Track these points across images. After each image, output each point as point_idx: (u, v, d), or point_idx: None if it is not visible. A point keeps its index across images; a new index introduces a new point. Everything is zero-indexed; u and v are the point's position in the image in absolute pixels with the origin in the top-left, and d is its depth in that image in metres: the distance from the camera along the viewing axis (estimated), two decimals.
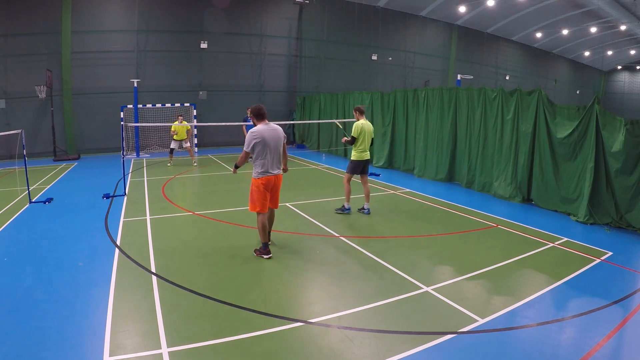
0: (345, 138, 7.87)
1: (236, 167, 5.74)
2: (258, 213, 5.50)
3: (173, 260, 5.49)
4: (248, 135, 5.35)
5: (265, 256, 5.47)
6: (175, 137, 13.21)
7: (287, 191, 8.65)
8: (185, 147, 13.57)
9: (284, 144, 5.61)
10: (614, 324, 3.96)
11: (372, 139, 7.84)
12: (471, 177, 10.28)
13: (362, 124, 7.58)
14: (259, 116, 5.47)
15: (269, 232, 5.86)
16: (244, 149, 5.44)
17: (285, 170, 5.86)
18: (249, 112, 13.77)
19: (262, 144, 5.32)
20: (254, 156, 5.41)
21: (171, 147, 13.54)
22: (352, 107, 15.34)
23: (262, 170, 5.39)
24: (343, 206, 7.79)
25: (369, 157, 7.75)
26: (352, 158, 7.71)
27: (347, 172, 7.77)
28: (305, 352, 3.50)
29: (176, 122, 13.14)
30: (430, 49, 26.43)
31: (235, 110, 18.57)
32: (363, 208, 7.85)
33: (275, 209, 5.88)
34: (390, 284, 4.77)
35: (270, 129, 5.42)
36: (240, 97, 19.66)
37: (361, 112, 7.72)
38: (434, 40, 26.63)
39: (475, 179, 10.11)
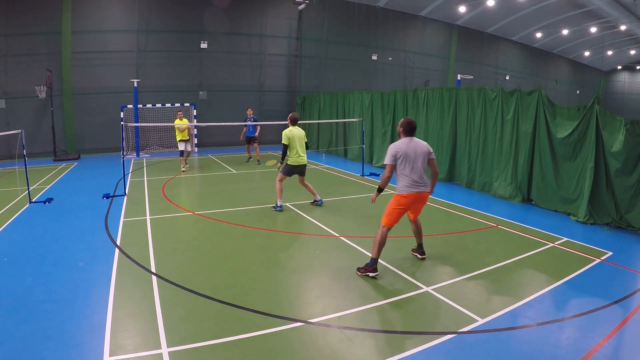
0: (280, 164, 8.15)
1: (380, 190, 5.04)
2: (383, 226, 5.01)
3: (173, 260, 5.49)
4: (389, 149, 5.02)
5: (371, 274, 4.92)
6: (179, 136, 13.12)
7: (287, 191, 8.65)
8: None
9: (431, 160, 5.16)
10: (614, 324, 3.95)
11: (307, 142, 8.17)
12: (471, 177, 10.28)
13: (289, 130, 7.86)
14: (407, 132, 5.08)
15: (420, 244, 5.58)
16: (386, 162, 5.00)
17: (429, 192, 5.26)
18: (250, 112, 13.78)
19: (404, 157, 4.93)
20: (397, 171, 4.99)
21: (180, 149, 13.44)
22: (352, 107, 15.50)
23: (407, 184, 4.93)
24: (276, 203, 8.05)
25: (305, 162, 8.04)
26: (288, 162, 7.99)
27: (281, 174, 8.06)
28: (305, 352, 3.50)
29: (177, 120, 13.10)
30: (430, 49, 26.43)
31: (235, 110, 18.56)
32: (315, 200, 8.34)
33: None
34: (390, 284, 4.77)
35: (412, 143, 5.02)
36: (240, 97, 19.67)
37: (293, 121, 8.01)
38: (434, 40, 26.63)
39: (475, 179, 10.11)
